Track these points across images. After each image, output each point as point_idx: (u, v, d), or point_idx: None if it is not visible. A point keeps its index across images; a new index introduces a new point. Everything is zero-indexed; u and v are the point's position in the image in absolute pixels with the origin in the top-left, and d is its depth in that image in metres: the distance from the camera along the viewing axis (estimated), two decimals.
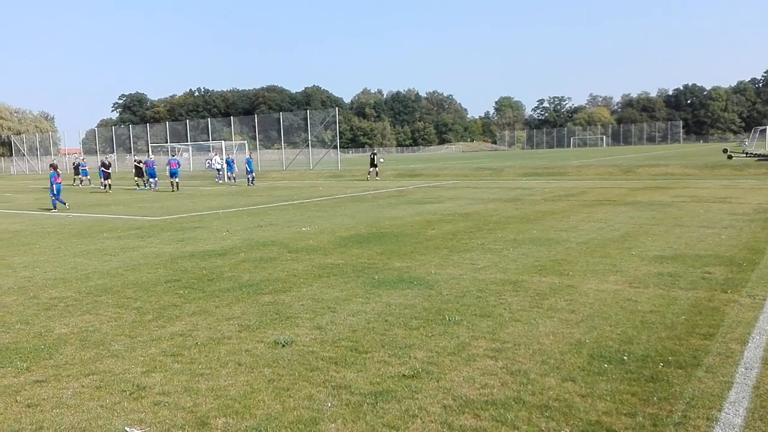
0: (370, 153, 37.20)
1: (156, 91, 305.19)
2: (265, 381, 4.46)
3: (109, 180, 30.42)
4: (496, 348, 5.06)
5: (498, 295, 6.80)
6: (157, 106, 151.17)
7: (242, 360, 4.93)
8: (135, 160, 35.49)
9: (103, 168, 31.10)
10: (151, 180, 31.41)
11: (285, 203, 19.81)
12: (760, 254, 8.59)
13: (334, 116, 47.96)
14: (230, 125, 60.75)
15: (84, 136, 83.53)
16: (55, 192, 19.83)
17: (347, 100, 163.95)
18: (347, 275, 8.06)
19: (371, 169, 34.30)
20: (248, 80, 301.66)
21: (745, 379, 4.23)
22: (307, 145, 49.45)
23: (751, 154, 36.42)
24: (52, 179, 20.00)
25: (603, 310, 6.08)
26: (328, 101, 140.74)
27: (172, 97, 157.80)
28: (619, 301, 6.41)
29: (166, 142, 55.61)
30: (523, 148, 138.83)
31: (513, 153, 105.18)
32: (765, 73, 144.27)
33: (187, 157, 57.13)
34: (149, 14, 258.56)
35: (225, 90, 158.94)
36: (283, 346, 5.23)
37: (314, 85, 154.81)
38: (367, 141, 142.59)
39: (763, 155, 34.85)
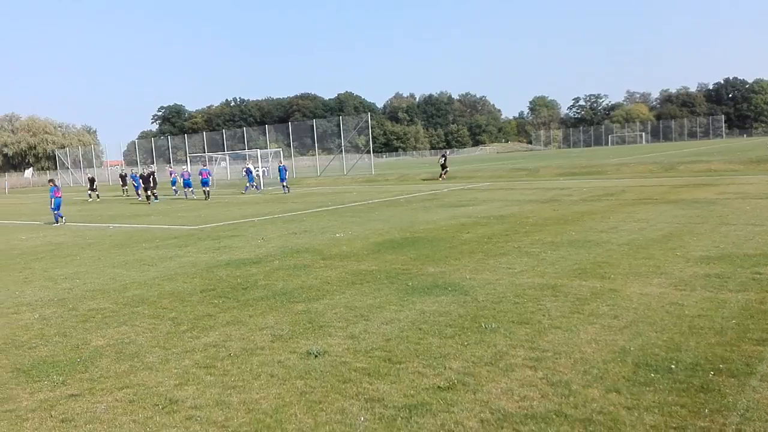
0: (440, 155, 37.92)
1: (193, 102, 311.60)
2: (297, 394, 4.38)
3: (154, 191, 30.90)
4: (535, 357, 4.87)
5: (536, 301, 6.59)
6: (195, 117, 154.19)
7: (274, 371, 4.86)
8: (144, 171, 35.48)
9: (141, 179, 31.71)
10: (186, 189, 31.98)
11: (319, 209, 19.85)
12: None
13: (367, 121, 48.03)
14: (265, 133, 61.51)
15: (125, 148, 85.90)
16: (53, 206, 20.11)
17: (380, 104, 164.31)
18: (380, 282, 7.95)
19: (443, 171, 34.71)
20: (282, 89, 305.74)
21: None
22: (341, 151, 49.63)
23: None
24: (52, 193, 20.33)
25: (648, 316, 5.82)
26: (361, 107, 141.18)
27: (209, 107, 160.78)
28: (664, 305, 6.13)
29: (204, 152, 56.64)
30: (559, 148, 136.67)
31: (549, 153, 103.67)
32: None
33: (224, 165, 58.04)
34: (186, 27, 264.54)
35: (260, 99, 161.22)
36: (316, 356, 5.15)
37: (347, 91, 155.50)
38: (401, 145, 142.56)
39: None
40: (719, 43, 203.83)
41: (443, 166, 35.04)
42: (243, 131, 59.88)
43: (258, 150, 36.16)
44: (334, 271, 8.84)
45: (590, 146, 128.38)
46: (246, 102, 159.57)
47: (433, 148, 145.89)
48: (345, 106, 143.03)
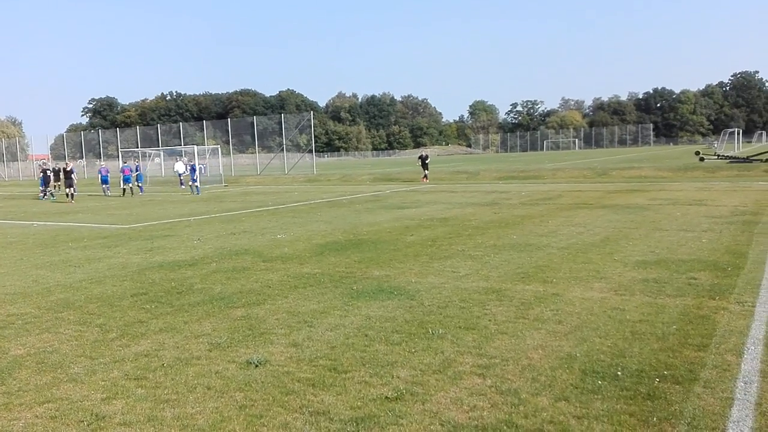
0: (419, 154, 34.96)
1: (127, 95, 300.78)
2: (237, 407, 4.11)
3: (72, 189, 29.14)
4: (483, 364, 4.79)
5: (482, 306, 6.54)
6: (128, 111, 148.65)
7: (211, 383, 4.57)
8: (42, 164, 33.83)
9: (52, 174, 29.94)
10: (103, 186, 30.95)
11: (259, 209, 19.36)
12: (743, 258, 8.49)
13: (309, 120, 47.50)
14: (203, 129, 59.92)
15: (53, 141, 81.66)
16: None
17: (322, 103, 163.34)
18: (324, 285, 7.73)
19: (426, 172, 32.85)
20: (222, 84, 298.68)
21: (745, 394, 4.03)
22: (282, 150, 48.88)
23: (723, 156, 36.97)
24: None
25: (591, 320, 5.86)
26: (303, 105, 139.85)
27: (143, 101, 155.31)
28: (606, 310, 6.20)
29: (137, 147, 54.55)
30: (497, 152, 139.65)
31: (488, 156, 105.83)
32: (732, 76, 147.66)
33: (158, 162, 56.13)
34: (120, 16, 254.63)
35: (198, 94, 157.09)
36: (256, 366, 4.89)
37: (288, 89, 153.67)
38: (343, 145, 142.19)
39: (735, 157, 35.40)
40: (650, 54, 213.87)
41: (424, 166, 32.86)
42: (179, 126, 58.06)
43: (195, 146, 35.01)
44: (275, 274, 8.55)
45: (527, 151, 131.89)
46: (183, 96, 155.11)
47: (375, 149, 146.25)
48: (286, 103, 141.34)
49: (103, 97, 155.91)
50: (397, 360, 4.93)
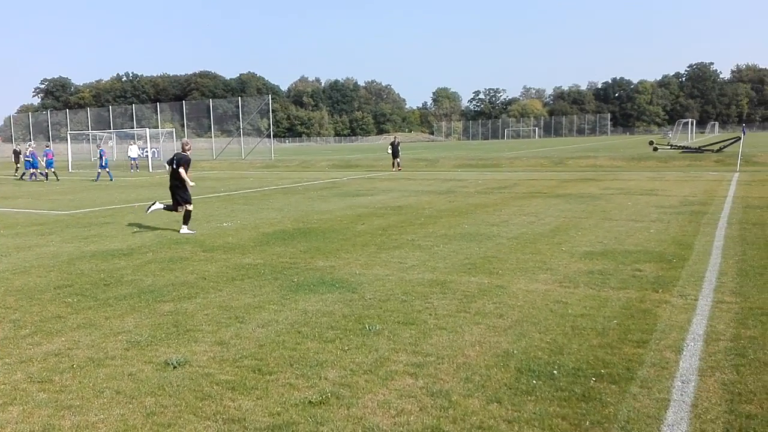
0: (390, 141, 31.90)
1: (81, 76, 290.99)
2: (144, 415, 3.78)
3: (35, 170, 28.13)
4: (417, 363, 4.56)
5: (424, 299, 6.32)
6: (82, 92, 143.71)
7: (122, 387, 4.22)
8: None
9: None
10: (48, 170, 29.50)
11: (210, 195, 18.78)
12: (688, 249, 8.49)
13: (268, 104, 46.57)
14: (159, 112, 58.14)
15: (2, 123, 78.29)
16: None
17: (284, 87, 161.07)
18: (264, 277, 7.39)
19: (396, 160, 30.36)
20: (180, 65, 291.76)
21: (682, 395, 3.89)
22: (240, 134, 47.85)
23: (676, 146, 37.73)
24: None
25: (532, 314, 5.70)
26: (264, 89, 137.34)
27: (98, 81, 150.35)
28: (548, 303, 6.05)
29: (89, 130, 52.65)
30: (460, 139, 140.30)
31: (449, 144, 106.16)
32: (688, 68, 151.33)
33: (111, 145, 54.33)
34: None
35: (155, 75, 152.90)
36: (175, 367, 4.55)
37: (250, 72, 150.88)
38: (305, 131, 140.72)
39: (687, 147, 36.17)
40: (610, 44, 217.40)
41: (395, 154, 30.30)
42: (132, 108, 56.27)
43: (147, 129, 33.90)
44: (213, 265, 8.16)
45: (488, 139, 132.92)
46: (139, 77, 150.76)
47: (338, 134, 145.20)
48: (247, 86, 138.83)
49: (56, 77, 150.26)
50: (328, 359, 4.66)
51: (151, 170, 35.02)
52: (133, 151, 36.49)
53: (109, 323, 5.68)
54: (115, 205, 16.36)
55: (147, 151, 36.39)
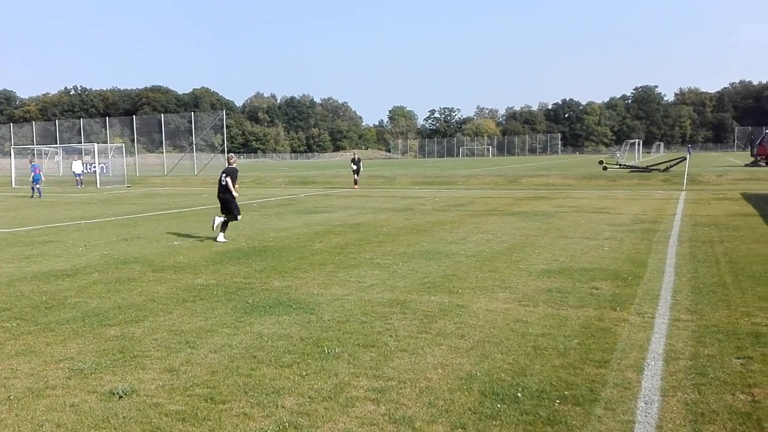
0: (352, 157, 31.28)
1: (26, 89, 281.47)
2: None
3: None
4: (378, 387, 4.40)
5: (384, 319, 6.18)
6: (27, 105, 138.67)
7: (63, 419, 3.92)
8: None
9: None
10: None
11: (161, 213, 18.23)
12: (642, 267, 8.63)
13: (222, 119, 45.86)
14: (109, 126, 56.55)
15: None
16: None
17: (239, 103, 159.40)
18: (217, 299, 7.11)
19: (356, 177, 29.68)
20: (131, 80, 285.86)
21: (646, 416, 3.86)
22: (192, 150, 46.93)
23: (624, 165, 38.90)
24: None
25: (493, 334, 5.63)
26: (218, 104, 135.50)
27: (44, 95, 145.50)
28: (509, 322, 6.00)
29: (34, 144, 50.69)
30: (416, 157, 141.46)
31: (406, 161, 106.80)
32: (633, 90, 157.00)
33: (58, 160, 52.47)
34: (21, 2, 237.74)
35: (105, 89, 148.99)
36: (121, 397, 4.26)
37: (203, 87, 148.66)
38: (260, 146, 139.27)
39: (635, 167, 37.33)
40: (560, 67, 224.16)
41: (356, 171, 29.64)
42: (80, 123, 54.54)
43: (96, 144, 32.87)
44: (163, 286, 7.82)
45: (443, 157, 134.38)
46: (88, 91, 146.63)
47: (294, 151, 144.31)
48: (201, 102, 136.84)
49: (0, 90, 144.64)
50: (285, 386, 4.46)
51: (99, 186, 33.88)
52: (77, 166, 35.36)
53: (50, 349, 5.32)
54: (60, 223, 15.67)
55: (94, 167, 35.19)
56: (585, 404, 4.06)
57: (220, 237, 11.71)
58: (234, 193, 11.87)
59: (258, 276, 8.43)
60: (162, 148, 49.65)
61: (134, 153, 47.66)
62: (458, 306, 6.66)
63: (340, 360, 4.99)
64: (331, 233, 12.89)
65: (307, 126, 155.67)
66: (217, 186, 12.13)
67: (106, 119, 54.79)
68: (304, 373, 4.70)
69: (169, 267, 9.15)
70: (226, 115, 48.80)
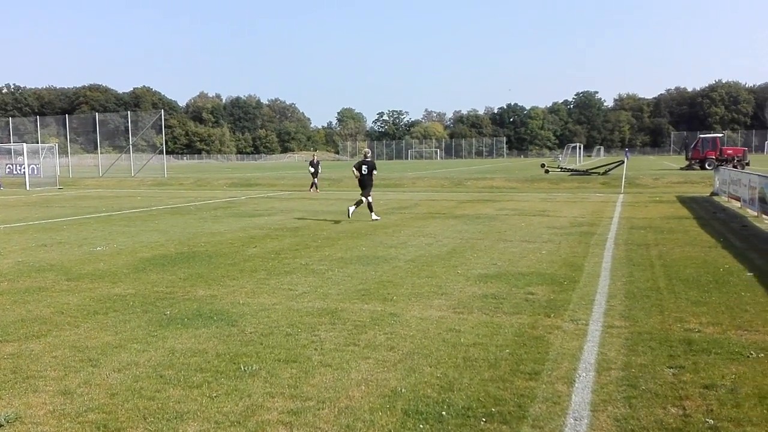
0: (311, 160, 29.90)
1: None
2: None
3: None
4: (294, 409, 4.06)
5: (311, 331, 5.84)
6: None
7: None
8: None
9: None
10: None
11: (88, 216, 17.28)
12: (578, 271, 8.57)
13: (161, 118, 44.39)
14: (43, 126, 53.98)
15: None
16: None
17: (182, 103, 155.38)
18: (132, 310, 6.60)
19: (315, 180, 28.65)
20: (68, 78, 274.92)
21: None
22: (129, 150, 45.22)
23: (565, 168, 39.73)
24: None
25: (424, 345, 5.37)
26: (160, 104, 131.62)
27: None
28: (441, 332, 5.75)
29: None
30: None
31: (354, 163, 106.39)
32: (575, 96, 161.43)
33: None
34: None
35: (40, 87, 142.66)
36: (1, 425, 3.77)
37: (144, 86, 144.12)
38: (205, 147, 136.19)
39: (576, 170, 38.16)
40: (504, 71, 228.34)
41: (314, 174, 28.63)
42: (9, 121, 51.79)
43: (25, 144, 31.17)
44: (76, 297, 7.24)
45: (392, 159, 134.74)
46: (22, 89, 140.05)
47: (240, 152, 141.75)
48: (142, 101, 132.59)
49: None
50: (190, 409, 4.05)
51: (28, 188, 32.13)
52: (7, 167, 33.48)
53: None
54: None
55: (23, 168, 33.39)
56: (512, 422, 3.83)
57: (373, 216, 15.14)
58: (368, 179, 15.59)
59: (182, 284, 7.93)
60: (102, 148, 47.64)
61: (68, 153, 45.52)
62: (391, 315, 6.38)
63: (256, 378, 4.61)
64: (268, 237, 12.44)
65: (254, 127, 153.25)
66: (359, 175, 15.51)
67: (39, 119, 52.20)
68: (214, 395, 4.30)
69: (86, 275, 8.53)
70: (168, 115, 47.30)
